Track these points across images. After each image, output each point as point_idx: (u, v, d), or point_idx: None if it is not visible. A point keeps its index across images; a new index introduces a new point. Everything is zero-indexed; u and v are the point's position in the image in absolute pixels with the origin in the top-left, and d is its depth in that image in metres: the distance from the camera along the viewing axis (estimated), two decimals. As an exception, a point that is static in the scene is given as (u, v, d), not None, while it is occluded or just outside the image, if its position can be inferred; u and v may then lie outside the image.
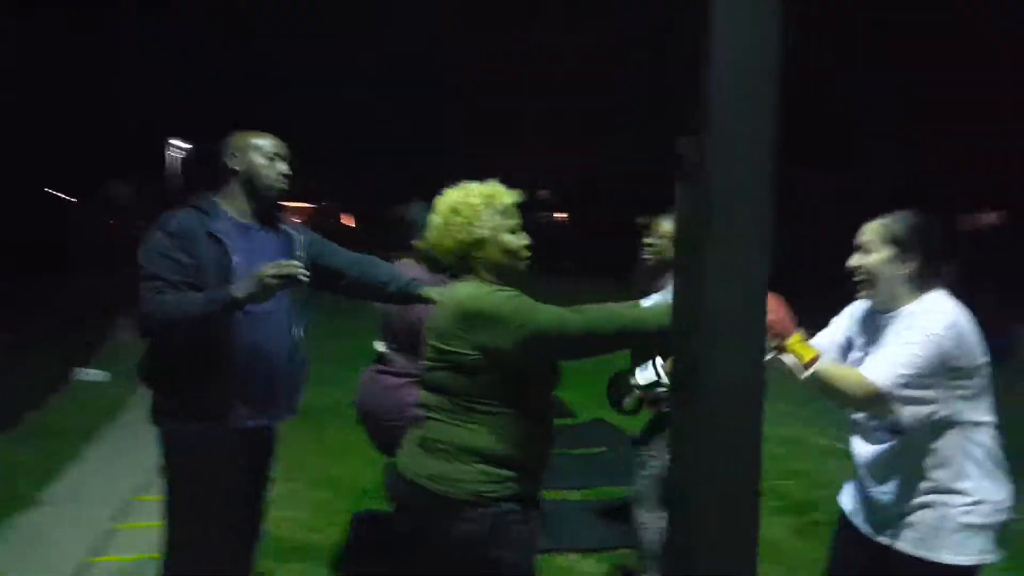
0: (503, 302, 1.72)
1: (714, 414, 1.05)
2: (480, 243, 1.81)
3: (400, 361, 2.75)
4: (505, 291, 1.76)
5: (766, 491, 4.21)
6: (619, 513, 3.24)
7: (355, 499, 3.99)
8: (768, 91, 0.99)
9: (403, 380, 2.70)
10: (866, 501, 1.93)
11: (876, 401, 1.71)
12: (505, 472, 1.74)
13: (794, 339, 1.72)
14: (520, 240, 1.87)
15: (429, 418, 1.82)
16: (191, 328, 2.08)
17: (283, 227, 2.41)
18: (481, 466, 1.73)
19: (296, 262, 2.08)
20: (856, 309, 2.05)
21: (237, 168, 2.29)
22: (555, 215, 25.30)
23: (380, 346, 2.82)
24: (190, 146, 23.11)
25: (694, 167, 1.04)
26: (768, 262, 1.04)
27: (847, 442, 2.03)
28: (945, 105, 16.87)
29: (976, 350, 1.77)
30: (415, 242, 2.86)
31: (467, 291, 1.78)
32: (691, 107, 1.03)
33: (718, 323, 1.04)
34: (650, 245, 3.03)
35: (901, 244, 1.80)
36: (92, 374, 6.59)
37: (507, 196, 1.87)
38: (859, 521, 1.96)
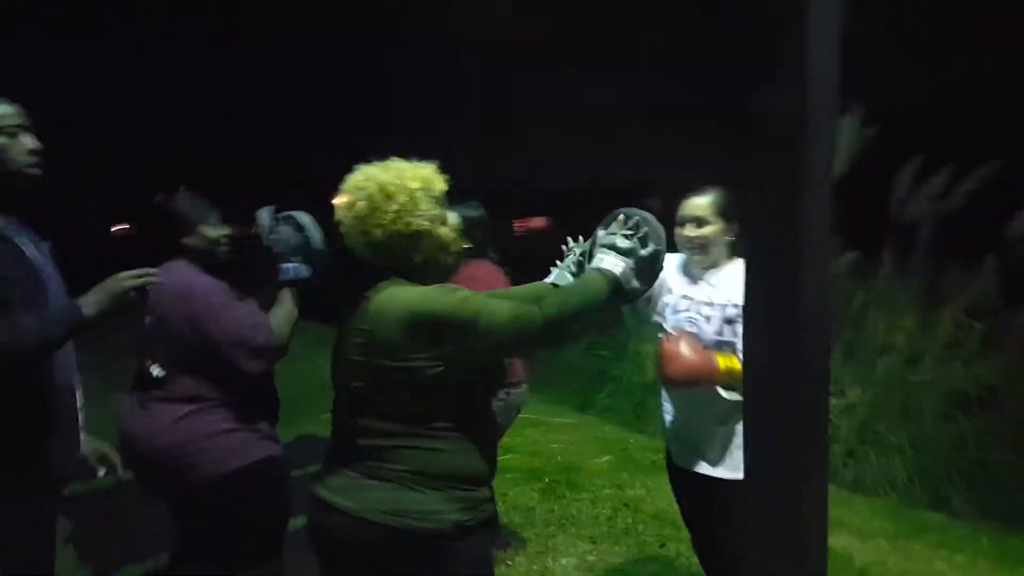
0: (463, 302, 1.49)
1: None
2: (417, 236, 1.57)
3: (186, 383, 2.13)
4: (451, 288, 1.54)
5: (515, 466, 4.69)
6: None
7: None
8: None
9: (189, 407, 2.11)
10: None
11: None
12: (479, 494, 1.57)
13: (726, 363, 1.84)
14: (452, 233, 1.64)
15: (376, 447, 1.54)
16: (32, 359, 1.61)
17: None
18: (458, 492, 1.53)
19: (150, 268, 1.70)
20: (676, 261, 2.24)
21: None
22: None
23: (156, 369, 2.15)
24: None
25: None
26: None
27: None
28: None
29: None
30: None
31: (412, 295, 1.51)
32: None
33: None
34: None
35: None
36: None
37: (440, 181, 1.63)
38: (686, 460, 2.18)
